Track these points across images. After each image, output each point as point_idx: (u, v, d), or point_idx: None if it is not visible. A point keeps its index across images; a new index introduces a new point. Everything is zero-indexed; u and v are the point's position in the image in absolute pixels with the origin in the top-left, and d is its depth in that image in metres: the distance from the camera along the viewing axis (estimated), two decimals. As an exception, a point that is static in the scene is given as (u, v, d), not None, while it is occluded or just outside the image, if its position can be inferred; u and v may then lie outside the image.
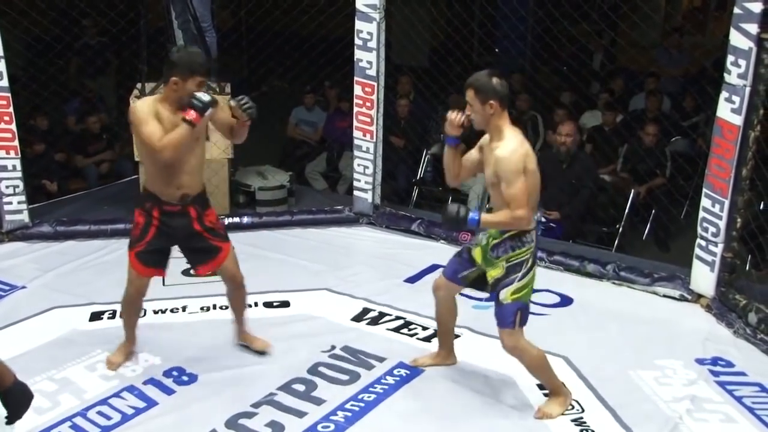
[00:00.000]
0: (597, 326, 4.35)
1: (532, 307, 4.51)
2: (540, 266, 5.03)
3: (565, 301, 4.69)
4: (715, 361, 3.99)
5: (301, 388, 3.68)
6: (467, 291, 4.73)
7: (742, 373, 3.89)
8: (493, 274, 3.33)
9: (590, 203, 5.93)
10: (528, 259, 3.29)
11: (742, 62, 4.14)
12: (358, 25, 5.49)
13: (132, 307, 3.81)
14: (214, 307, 4.47)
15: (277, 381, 3.72)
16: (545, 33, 8.82)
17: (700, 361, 3.97)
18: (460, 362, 3.92)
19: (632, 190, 6.11)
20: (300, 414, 3.48)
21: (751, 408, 3.60)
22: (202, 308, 4.47)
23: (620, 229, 5.93)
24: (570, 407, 3.54)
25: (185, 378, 3.76)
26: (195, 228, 3.60)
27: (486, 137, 3.36)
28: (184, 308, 4.47)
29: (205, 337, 4.15)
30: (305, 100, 7.76)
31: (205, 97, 3.34)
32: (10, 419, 2.08)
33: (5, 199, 5.33)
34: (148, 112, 3.37)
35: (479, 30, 8.99)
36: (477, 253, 3.46)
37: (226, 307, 4.45)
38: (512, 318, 3.31)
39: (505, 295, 3.29)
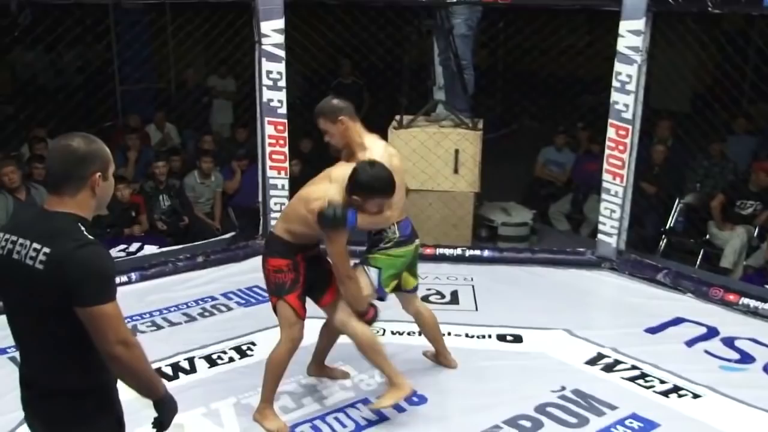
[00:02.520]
0: None
1: None
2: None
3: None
4: None
5: (527, 424, 3.67)
6: (715, 351, 4.46)
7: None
8: None
9: None
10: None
11: None
12: (618, 67, 5.40)
13: (286, 365, 3.64)
14: (449, 334, 4.59)
15: (504, 414, 3.73)
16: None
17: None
18: (703, 424, 3.67)
19: None
20: (524, 450, 3.48)
21: None
22: (437, 334, 4.61)
23: None
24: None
25: (415, 399, 3.89)
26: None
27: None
28: (420, 333, 4.63)
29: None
30: (556, 140, 7.73)
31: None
32: (162, 427, 2.23)
33: (272, 215, 5.90)
34: None
35: (753, 75, 8.40)
36: None
37: (460, 336, 4.60)
38: None
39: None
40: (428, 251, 5.78)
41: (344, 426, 3.67)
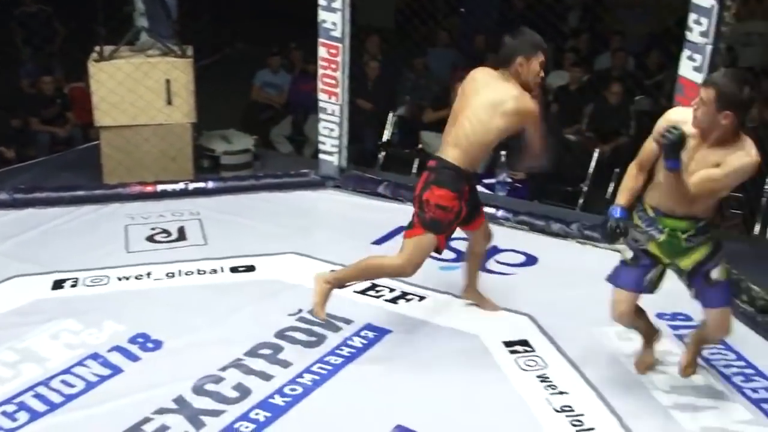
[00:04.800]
0: (561, 284, 4.38)
1: (498, 267, 4.63)
2: (504, 226, 5.13)
3: (530, 260, 4.73)
4: (674, 315, 4.05)
5: (267, 351, 3.68)
6: (433, 253, 4.77)
7: (700, 327, 3.96)
8: (696, 257, 3.18)
9: (555, 163, 5.95)
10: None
11: (704, 20, 4.15)
12: (322, -15, 5.40)
13: (378, 277, 3.90)
14: (179, 273, 4.44)
15: (244, 345, 3.70)
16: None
17: (661, 316, 4.00)
18: (428, 323, 3.95)
19: (596, 150, 6.15)
20: (267, 377, 3.49)
21: (708, 359, 3.68)
22: (167, 274, 4.44)
23: (585, 188, 5.98)
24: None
25: (150, 345, 3.74)
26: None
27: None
28: (148, 274, 4.43)
29: (171, 303, 4.12)
30: (270, 62, 7.66)
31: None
32: None
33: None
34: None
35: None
36: (659, 249, 3.23)
37: (191, 273, 4.46)
38: (728, 296, 3.25)
39: (719, 274, 3.18)
40: (149, 189, 5.51)
41: (73, 387, 3.41)
